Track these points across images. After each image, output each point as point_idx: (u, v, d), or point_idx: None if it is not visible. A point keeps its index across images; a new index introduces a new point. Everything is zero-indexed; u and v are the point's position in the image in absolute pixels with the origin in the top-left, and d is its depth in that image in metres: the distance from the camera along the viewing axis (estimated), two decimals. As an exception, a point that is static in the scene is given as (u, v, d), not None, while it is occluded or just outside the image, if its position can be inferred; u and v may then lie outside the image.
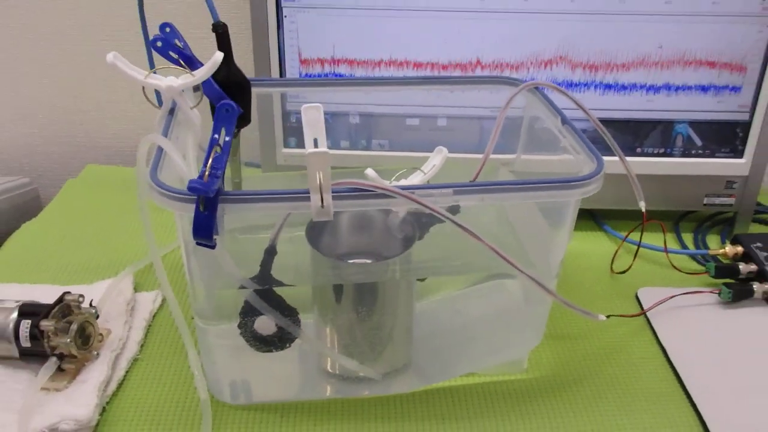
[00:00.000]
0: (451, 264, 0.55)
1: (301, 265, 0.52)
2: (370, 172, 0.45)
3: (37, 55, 0.93)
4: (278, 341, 0.51)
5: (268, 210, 0.43)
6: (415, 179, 0.52)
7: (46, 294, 0.58)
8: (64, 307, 0.56)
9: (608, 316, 0.56)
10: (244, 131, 0.56)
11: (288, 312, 0.50)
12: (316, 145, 0.43)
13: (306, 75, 0.75)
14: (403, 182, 0.51)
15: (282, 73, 0.75)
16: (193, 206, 0.41)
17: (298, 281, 0.52)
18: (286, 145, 0.77)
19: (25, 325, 0.54)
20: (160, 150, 0.46)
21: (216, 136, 0.42)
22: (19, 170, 1.00)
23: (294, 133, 0.77)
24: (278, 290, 0.50)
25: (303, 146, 0.75)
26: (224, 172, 0.42)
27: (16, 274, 0.69)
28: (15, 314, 0.55)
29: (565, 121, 0.55)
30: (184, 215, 0.43)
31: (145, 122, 0.97)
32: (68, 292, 0.57)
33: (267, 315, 0.49)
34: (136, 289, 0.66)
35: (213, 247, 0.43)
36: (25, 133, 0.99)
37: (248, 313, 0.50)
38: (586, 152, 0.50)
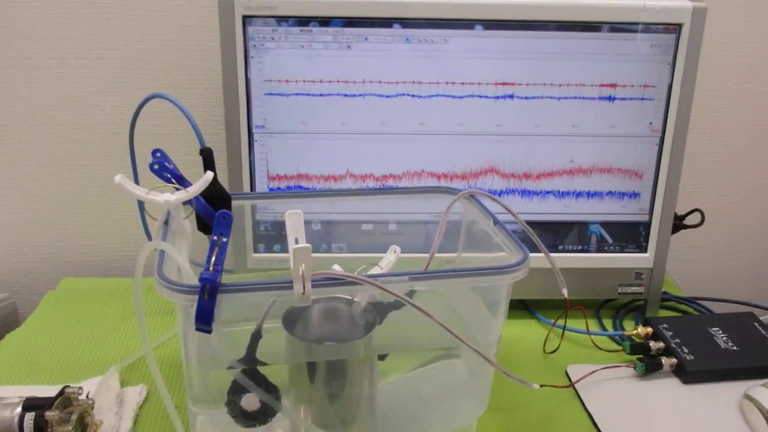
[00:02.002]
0: (406, 342, 0.63)
1: (279, 349, 0.58)
2: (336, 267, 0.54)
3: (16, 178, 0.98)
4: (261, 416, 0.57)
5: (258, 297, 0.50)
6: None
7: (42, 392, 0.62)
8: (65, 399, 0.61)
9: (541, 386, 0.65)
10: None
11: (270, 389, 0.56)
12: (297, 242, 0.52)
13: (273, 189, 0.83)
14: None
15: (252, 187, 0.82)
16: (196, 297, 0.49)
17: (278, 361, 0.58)
18: (256, 250, 0.84)
19: (29, 417, 0.58)
20: (162, 253, 0.54)
21: (215, 238, 0.52)
22: (-4, 285, 1.02)
23: (263, 239, 0.83)
24: (261, 370, 0.56)
25: (271, 251, 0.84)
26: (223, 267, 0.51)
27: (6, 379, 0.72)
28: (19, 409, 0.59)
29: (496, 222, 0.64)
30: (182, 306, 0.51)
31: (116, 239, 1.02)
32: (68, 386, 0.62)
33: (252, 392, 0.55)
34: (122, 385, 0.70)
35: (210, 332, 0.50)
36: (3, 250, 1.02)
37: (235, 391, 0.56)
38: (514, 246, 0.59)
